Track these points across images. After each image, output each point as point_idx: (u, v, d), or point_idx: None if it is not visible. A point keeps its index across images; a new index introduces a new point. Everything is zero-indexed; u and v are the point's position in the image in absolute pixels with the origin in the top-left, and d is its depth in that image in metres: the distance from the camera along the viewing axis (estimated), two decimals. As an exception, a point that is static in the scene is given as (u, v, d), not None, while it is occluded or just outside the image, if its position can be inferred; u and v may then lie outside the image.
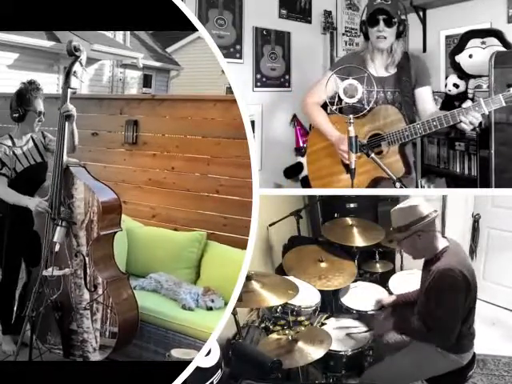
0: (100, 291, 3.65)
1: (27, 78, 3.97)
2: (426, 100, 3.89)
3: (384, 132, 3.72)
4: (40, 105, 3.84)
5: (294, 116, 5.32)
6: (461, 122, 3.41)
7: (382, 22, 3.69)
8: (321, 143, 4.00)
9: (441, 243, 3.24)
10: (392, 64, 3.85)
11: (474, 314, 3.28)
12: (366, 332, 3.67)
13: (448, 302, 3.09)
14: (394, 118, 3.75)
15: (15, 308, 4.03)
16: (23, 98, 3.82)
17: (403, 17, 3.77)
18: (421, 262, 3.43)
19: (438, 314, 3.13)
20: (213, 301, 4.14)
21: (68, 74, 3.67)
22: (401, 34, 3.79)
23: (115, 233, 3.79)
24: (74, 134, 3.77)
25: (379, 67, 3.85)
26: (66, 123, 3.64)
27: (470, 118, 3.38)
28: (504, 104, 3.32)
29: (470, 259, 3.27)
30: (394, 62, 3.84)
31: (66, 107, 3.62)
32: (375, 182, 3.76)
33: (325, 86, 3.82)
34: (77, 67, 3.68)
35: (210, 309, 4.13)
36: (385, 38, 3.73)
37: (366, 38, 3.86)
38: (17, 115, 3.83)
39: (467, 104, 3.63)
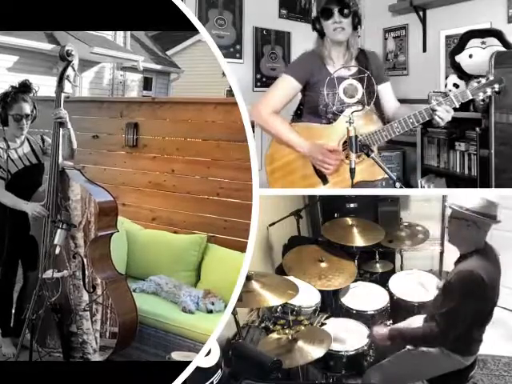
0: (99, 292, 3.65)
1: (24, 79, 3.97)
2: (389, 96, 3.79)
3: (360, 134, 3.44)
4: (23, 108, 3.83)
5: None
6: (435, 116, 3.39)
7: (337, 13, 3.53)
8: (285, 157, 3.74)
9: (478, 244, 3.22)
10: (350, 60, 3.67)
11: (490, 320, 3.26)
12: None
13: (458, 302, 3.07)
14: (368, 118, 3.61)
15: (13, 311, 4.04)
16: (4, 103, 3.83)
17: (357, 8, 3.61)
18: (421, 262, 3.41)
19: (445, 311, 3.12)
20: (213, 304, 4.14)
21: (61, 79, 3.69)
22: (356, 27, 3.63)
23: (112, 234, 3.80)
24: (71, 139, 3.77)
25: (338, 65, 3.65)
26: (61, 128, 3.66)
27: (443, 113, 3.35)
28: (470, 96, 3.36)
29: (498, 267, 3.25)
30: (352, 57, 3.67)
31: (58, 113, 3.64)
32: (358, 187, 3.66)
33: (282, 91, 3.70)
34: (70, 71, 3.71)
35: (210, 312, 4.13)
36: (343, 28, 3.55)
37: (321, 34, 3.67)
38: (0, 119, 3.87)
39: (437, 98, 3.62)
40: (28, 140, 3.96)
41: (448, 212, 3.34)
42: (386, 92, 3.78)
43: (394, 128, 3.48)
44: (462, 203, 3.20)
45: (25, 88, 3.87)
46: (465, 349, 3.25)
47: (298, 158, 3.68)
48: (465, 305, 3.07)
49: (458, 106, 3.39)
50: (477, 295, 3.07)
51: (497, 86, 3.38)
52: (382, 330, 3.42)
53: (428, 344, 3.27)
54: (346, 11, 3.54)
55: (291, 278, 3.91)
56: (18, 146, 3.91)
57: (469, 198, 3.21)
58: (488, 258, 3.22)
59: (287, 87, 3.68)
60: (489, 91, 3.38)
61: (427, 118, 3.42)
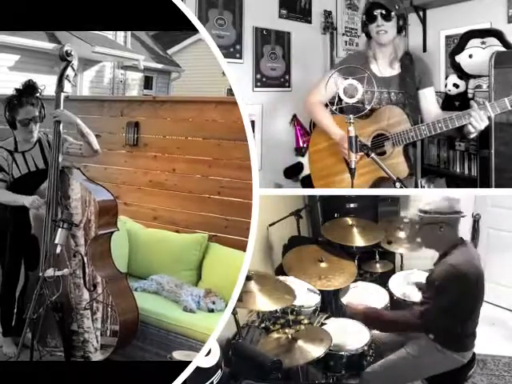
0: (99, 290, 3.68)
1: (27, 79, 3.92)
2: (429, 101, 3.90)
3: (388, 132, 3.73)
4: (29, 112, 3.76)
5: (294, 116, 5.33)
6: (466, 124, 3.42)
7: (379, 17, 3.71)
8: (324, 142, 3.99)
9: (455, 241, 3.25)
10: (395, 60, 3.85)
11: (478, 315, 3.27)
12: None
13: (443, 296, 3.09)
14: (398, 118, 3.76)
15: (15, 310, 4.04)
16: (10, 107, 3.79)
17: (402, 11, 3.78)
18: (421, 262, 3.40)
19: (429, 304, 3.15)
20: (214, 303, 4.15)
21: (61, 79, 3.72)
22: (401, 29, 3.80)
23: (112, 233, 3.82)
24: (87, 140, 3.77)
25: (383, 65, 3.86)
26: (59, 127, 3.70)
27: (475, 122, 3.39)
28: (510, 107, 3.35)
29: (479, 261, 3.28)
30: (397, 57, 3.85)
31: (55, 113, 3.67)
32: (378, 183, 3.76)
33: (327, 85, 3.82)
34: (69, 71, 3.74)
35: (212, 311, 4.15)
36: (385, 31, 3.73)
37: (369, 36, 3.88)
38: (7, 123, 3.83)
39: (472, 104, 3.64)
40: (40, 143, 3.91)
41: (416, 219, 3.35)
42: (427, 97, 3.91)
43: (421, 130, 3.60)
44: (428, 208, 3.24)
45: (29, 89, 3.81)
46: (458, 345, 3.27)
47: (333, 144, 3.86)
48: (447, 298, 3.09)
49: (493, 116, 3.43)
50: (460, 289, 3.09)
51: None
52: (356, 305, 3.47)
53: (405, 330, 3.31)
54: (388, 15, 3.70)
55: (291, 278, 3.92)
56: (27, 150, 3.86)
57: (431, 202, 3.25)
58: (469, 251, 3.27)
59: (332, 82, 3.79)
60: None
61: (457, 125, 3.46)
